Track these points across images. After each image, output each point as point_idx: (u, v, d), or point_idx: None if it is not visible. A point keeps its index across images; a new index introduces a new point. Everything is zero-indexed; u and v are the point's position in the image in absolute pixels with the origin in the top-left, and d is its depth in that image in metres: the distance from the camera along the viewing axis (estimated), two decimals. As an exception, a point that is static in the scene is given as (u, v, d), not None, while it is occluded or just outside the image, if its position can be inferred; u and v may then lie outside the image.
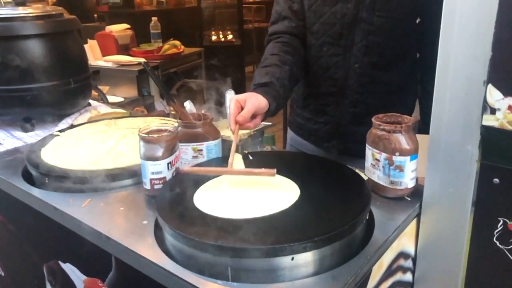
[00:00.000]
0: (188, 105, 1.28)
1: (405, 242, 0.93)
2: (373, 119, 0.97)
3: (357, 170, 1.01)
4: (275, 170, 0.89)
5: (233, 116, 1.05)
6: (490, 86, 0.78)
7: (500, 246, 0.85)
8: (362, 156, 1.00)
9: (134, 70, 3.00)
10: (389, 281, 0.89)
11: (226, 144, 1.16)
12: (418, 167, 0.95)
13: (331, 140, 1.39)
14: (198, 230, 0.78)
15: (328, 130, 1.38)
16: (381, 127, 0.94)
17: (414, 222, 0.94)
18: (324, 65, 1.31)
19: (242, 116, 1.05)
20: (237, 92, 1.28)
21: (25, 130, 1.49)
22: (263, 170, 0.91)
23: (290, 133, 1.57)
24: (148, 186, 0.97)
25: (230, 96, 1.13)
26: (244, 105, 1.08)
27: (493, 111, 0.78)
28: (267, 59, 1.27)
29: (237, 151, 1.13)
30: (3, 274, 1.36)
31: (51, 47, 1.49)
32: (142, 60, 3.00)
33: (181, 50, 3.42)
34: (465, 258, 0.88)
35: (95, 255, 0.93)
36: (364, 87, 1.28)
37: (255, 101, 1.09)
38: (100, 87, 1.91)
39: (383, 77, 1.28)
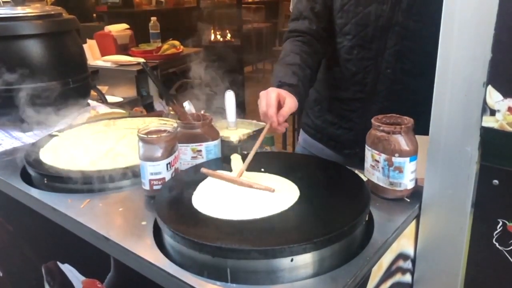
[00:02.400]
0: (187, 105, 1.28)
1: (405, 243, 0.93)
2: (372, 120, 0.97)
3: (356, 171, 1.01)
4: (274, 189, 0.90)
5: (272, 110, 0.99)
6: (489, 87, 0.78)
7: (499, 247, 0.85)
8: None
9: (133, 70, 2.99)
10: (389, 283, 0.89)
11: (225, 145, 1.16)
12: (417, 168, 0.94)
13: (354, 148, 1.31)
14: (197, 231, 0.78)
15: (352, 137, 1.31)
16: (381, 128, 0.94)
17: (413, 223, 0.94)
18: (353, 68, 1.25)
19: (282, 115, 1.00)
20: (237, 92, 1.27)
21: (24, 130, 1.49)
22: (263, 186, 0.91)
23: (303, 135, 1.49)
24: (147, 187, 0.97)
25: (268, 89, 1.06)
26: (283, 102, 1.03)
27: (492, 112, 0.78)
28: (289, 55, 1.22)
29: (236, 152, 1.13)
30: (1, 275, 1.36)
31: (50, 47, 1.49)
32: (141, 60, 3.00)
33: (180, 50, 3.41)
34: (464, 259, 0.88)
35: (93, 255, 0.93)
36: (394, 94, 1.22)
37: (293, 101, 1.05)
38: (99, 87, 1.90)
39: (416, 84, 1.21)
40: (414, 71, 1.20)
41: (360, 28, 1.21)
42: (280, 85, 1.12)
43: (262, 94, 1.08)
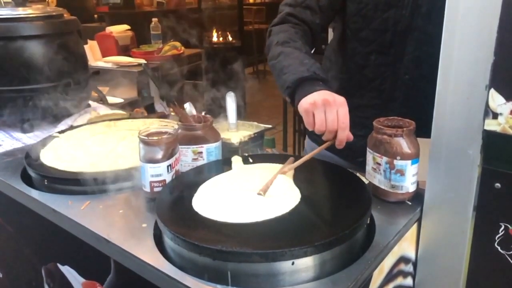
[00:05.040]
0: (188, 106, 1.28)
1: (406, 246, 0.92)
2: (374, 123, 0.97)
3: (358, 174, 1.01)
4: (264, 194, 0.89)
5: (346, 133, 0.98)
6: (492, 90, 0.77)
7: (501, 251, 0.84)
8: None
9: (134, 71, 2.99)
10: (390, 286, 0.88)
11: (226, 147, 1.16)
12: (419, 171, 0.94)
13: None
14: (198, 234, 0.78)
15: (366, 145, 1.24)
16: (383, 131, 0.94)
17: (415, 226, 0.93)
18: (369, 75, 1.21)
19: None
20: (237, 93, 1.27)
21: (24, 131, 1.49)
22: (266, 186, 0.91)
23: (310, 144, 1.43)
24: (147, 189, 0.97)
25: (337, 99, 1.00)
26: None
27: (495, 115, 0.78)
28: (297, 42, 1.15)
29: (237, 153, 1.13)
30: (1, 276, 1.36)
31: (51, 48, 1.49)
32: (142, 61, 3.01)
33: (181, 51, 3.41)
34: (466, 263, 0.88)
35: (94, 257, 0.92)
36: (412, 101, 1.19)
37: None
38: (99, 88, 1.90)
39: (434, 90, 1.18)
40: (433, 77, 1.16)
41: (378, 34, 1.17)
42: (314, 77, 1.05)
43: (326, 98, 0.99)
